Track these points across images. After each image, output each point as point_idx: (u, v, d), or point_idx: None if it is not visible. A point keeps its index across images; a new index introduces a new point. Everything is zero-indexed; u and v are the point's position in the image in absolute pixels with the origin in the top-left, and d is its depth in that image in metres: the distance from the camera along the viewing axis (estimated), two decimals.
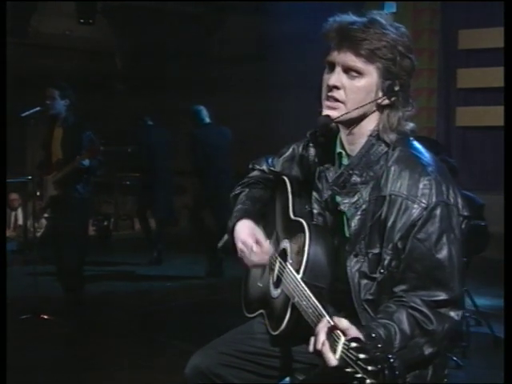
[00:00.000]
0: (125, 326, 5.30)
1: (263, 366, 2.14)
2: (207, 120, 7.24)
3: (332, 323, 1.58)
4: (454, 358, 4.09)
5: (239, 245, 2.12)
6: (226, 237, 2.25)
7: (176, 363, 4.07)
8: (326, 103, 1.91)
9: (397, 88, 1.86)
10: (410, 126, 1.91)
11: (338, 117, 1.89)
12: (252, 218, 2.17)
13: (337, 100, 1.89)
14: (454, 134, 8.61)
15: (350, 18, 1.87)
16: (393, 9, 8.87)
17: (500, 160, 2.86)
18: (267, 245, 2.11)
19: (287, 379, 2.29)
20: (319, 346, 1.58)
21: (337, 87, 1.88)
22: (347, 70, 1.86)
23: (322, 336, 1.58)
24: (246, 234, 2.12)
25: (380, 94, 1.87)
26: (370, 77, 1.85)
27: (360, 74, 1.85)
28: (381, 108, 1.89)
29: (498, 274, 2.72)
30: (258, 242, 2.10)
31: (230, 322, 2.29)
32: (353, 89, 1.87)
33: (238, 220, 2.17)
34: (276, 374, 2.16)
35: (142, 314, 5.71)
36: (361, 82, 1.86)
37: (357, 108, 1.87)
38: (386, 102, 1.87)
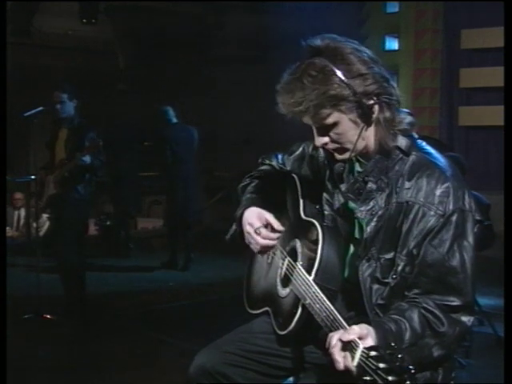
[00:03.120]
0: (126, 325, 5.30)
1: (267, 366, 2.13)
2: (174, 120, 7.49)
3: (351, 336, 1.56)
4: (457, 358, 4.08)
5: (246, 228, 2.11)
6: (233, 228, 2.24)
7: (178, 363, 4.08)
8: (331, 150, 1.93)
9: (370, 103, 1.82)
10: (408, 119, 1.90)
11: (348, 156, 1.90)
12: (260, 206, 2.17)
13: (336, 149, 1.90)
14: (456, 134, 8.61)
15: (286, 86, 1.82)
16: (395, 9, 8.87)
17: (502, 159, 2.85)
18: (277, 224, 2.10)
19: (291, 379, 2.29)
20: (341, 365, 1.57)
21: (326, 144, 1.89)
22: (320, 128, 1.87)
23: (338, 349, 1.58)
24: (253, 217, 2.12)
25: (361, 121, 1.84)
26: (342, 120, 1.84)
27: (332, 125, 1.84)
28: (371, 122, 1.86)
29: (501, 274, 2.71)
30: (267, 225, 2.09)
31: (233, 321, 2.29)
32: (338, 136, 1.87)
33: (245, 208, 2.17)
34: (281, 373, 2.16)
35: (144, 313, 5.71)
36: (338, 129, 1.85)
37: (355, 142, 1.86)
38: (371, 118, 1.84)
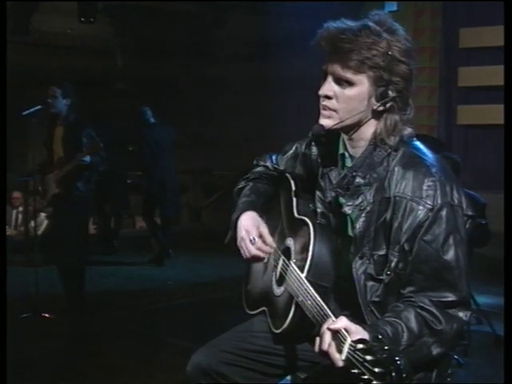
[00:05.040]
0: (125, 324, 5.30)
1: (265, 364, 2.13)
2: (152, 120, 7.74)
3: (338, 325, 1.58)
4: (455, 357, 4.09)
5: (242, 233, 2.11)
6: (231, 232, 2.25)
7: (176, 362, 4.09)
8: (321, 112, 1.92)
9: (392, 94, 1.84)
10: (408, 130, 1.90)
11: (332, 126, 1.90)
12: (256, 211, 2.18)
13: (329, 109, 1.89)
14: (455, 133, 8.60)
15: (341, 24, 1.84)
16: (394, 8, 8.86)
17: (501, 158, 2.86)
18: (270, 240, 2.10)
19: (288, 378, 2.29)
20: (325, 347, 1.58)
21: (328, 97, 1.89)
22: (338, 79, 1.86)
23: (328, 337, 1.59)
24: (251, 224, 2.12)
25: (374, 101, 1.86)
26: (361, 86, 1.84)
27: (350, 83, 1.85)
28: (377, 113, 1.88)
29: (499, 273, 2.72)
30: (261, 236, 2.10)
31: (231, 320, 2.29)
32: (344, 98, 1.87)
33: (242, 211, 2.17)
34: (278, 372, 2.16)
35: (143, 312, 5.71)
36: (352, 92, 1.85)
37: (350, 116, 1.87)
38: (381, 108, 1.86)
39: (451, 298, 1.78)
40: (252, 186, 2.28)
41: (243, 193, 2.27)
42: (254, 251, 2.09)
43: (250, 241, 2.09)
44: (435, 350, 1.76)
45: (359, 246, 1.90)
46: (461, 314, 1.80)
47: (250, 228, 2.11)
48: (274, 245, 2.12)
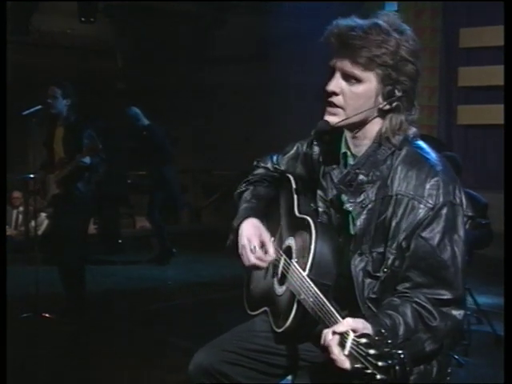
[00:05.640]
0: (126, 324, 5.30)
1: (266, 364, 2.14)
2: (146, 121, 7.77)
3: (343, 328, 1.56)
4: (456, 357, 4.09)
5: (243, 241, 2.10)
6: (232, 237, 2.24)
7: (177, 362, 4.09)
8: (326, 108, 1.92)
9: (398, 93, 1.85)
10: (413, 130, 1.91)
11: (338, 123, 1.90)
12: (258, 217, 2.17)
13: (336, 106, 1.90)
14: (455, 133, 8.61)
15: (351, 22, 1.85)
16: (394, 8, 8.87)
17: (501, 158, 2.86)
18: (272, 250, 2.09)
19: (289, 377, 2.29)
20: (334, 347, 1.57)
21: (335, 93, 1.89)
22: (346, 76, 1.87)
23: (331, 334, 1.58)
24: (252, 233, 2.11)
25: (380, 100, 1.87)
26: (369, 83, 1.85)
27: (358, 80, 1.85)
28: (383, 112, 1.89)
29: (499, 273, 2.72)
30: (262, 245, 2.09)
31: (231, 320, 2.30)
32: (351, 95, 1.87)
33: (244, 218, 2.16)
34: (279, 371, 2.16)
35: (143, 312, 5.71)
36: (359, 89, 1.86)
37: (356, 114, 1.88)
38: (388, 107, 1.87)
39: (446, 296, 1.79)
40: (252, 190, 2.27)
41: (244, 197, 2.26)
42: (253, 260, 2.08)
43: (251, 249, 2.08)
44: (429, 347, 1.77)
45: (359, 243, 1.90)
46: (455, 313, 1.80)
47: (252, 236, 2.10)
48: (274, 255, 2.09)
